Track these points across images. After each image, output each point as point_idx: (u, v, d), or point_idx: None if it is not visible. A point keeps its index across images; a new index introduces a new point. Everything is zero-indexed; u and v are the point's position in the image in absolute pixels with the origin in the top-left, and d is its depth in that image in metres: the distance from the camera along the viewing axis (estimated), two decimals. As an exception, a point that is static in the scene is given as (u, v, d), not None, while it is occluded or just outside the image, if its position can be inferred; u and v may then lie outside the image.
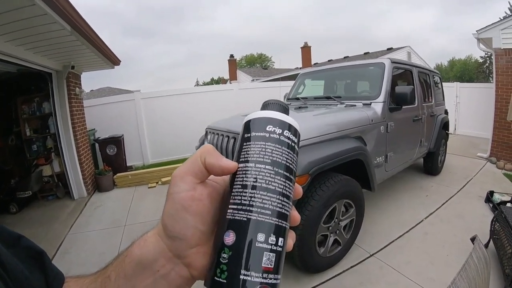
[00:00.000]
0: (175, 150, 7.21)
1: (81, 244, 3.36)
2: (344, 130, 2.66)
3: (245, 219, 0.30)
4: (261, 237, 0.29)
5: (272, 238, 0.29)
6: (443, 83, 5.34)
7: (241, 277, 0.28)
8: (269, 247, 0.29)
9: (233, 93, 8.11)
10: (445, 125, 4.93)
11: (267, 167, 0.31)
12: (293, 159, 0.34)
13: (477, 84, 9.71)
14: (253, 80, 17.84)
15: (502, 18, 5.77)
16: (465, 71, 39.51)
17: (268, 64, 46.30)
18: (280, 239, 0.30)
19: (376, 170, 2.97)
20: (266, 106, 0.38)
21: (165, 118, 7.27)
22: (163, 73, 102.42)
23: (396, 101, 3.19)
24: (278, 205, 0.31)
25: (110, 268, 0.36)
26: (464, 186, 4.41)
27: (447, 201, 3.88)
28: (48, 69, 4.40)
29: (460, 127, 8.72)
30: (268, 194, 0.31)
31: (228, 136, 2.66)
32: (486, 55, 32.23)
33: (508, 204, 3.16)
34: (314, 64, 20.25)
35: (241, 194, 0.31)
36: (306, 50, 20.27)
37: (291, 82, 4.94)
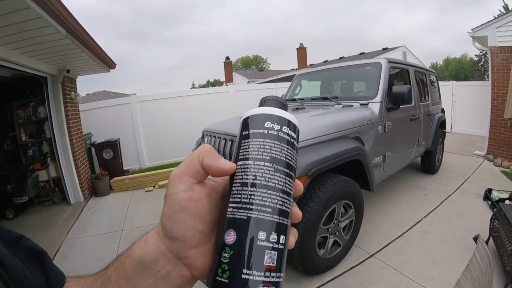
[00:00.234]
0: (172, 153, 7.16)
1: (78, 249, 3.33)
2: (342, 131, 2.65)
3: (246, 217, 0.29)
4: (262, 235, 0.29)
5: (274, 236, 0.29)
6: (439, 82, 5.37)
7: (243, 276, 0.27)
8: (271, 245, 0.29)
9: (229, 95, 8.10)
10: (442, 124, 4.94)
11: (266, 164, 0.31)
12: (293, 156, 0.33)
13: (472, 83, 9.76)
14: (249, 82, 17.81)
15: (496, 17, 5.83)
16: (460, 70, 39.77)
17: (264, 65, 46.28)
18: (282, 237, 0.30)
19: (374, 170, 2.97)
20: (264, 102, 0.37)
21: (161, 121, 7.23)
22: (159, 76, 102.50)
23: (393, 100, 3.19)
24: (279, 202, 0.30)
25: (111, 268, 0.36)
26: (462, 184, 4.42)
27: (445, 199, 3.88)
28: (43, 73, 4.36)
29: (457, 126, 8.77)
30: (268, 191, 0.30)
31: (225, 139, 2.65)
32: (481, 53, 32.32)
33: (507, 202, 3.16)
34: (310, 65, 20.33)
35: (240, 192, 0.30)
36: (301, 51, 20.35)
37: (287, 84, 4.94)
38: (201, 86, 50.87)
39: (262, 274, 0.28)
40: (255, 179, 0.30)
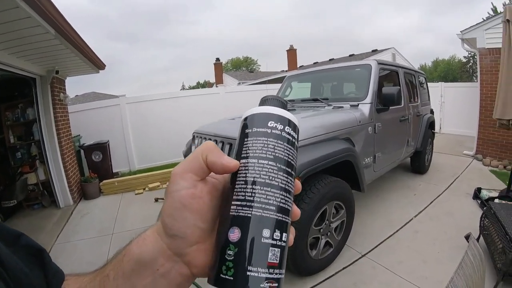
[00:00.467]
0: (162, 155, 7.12)
1: (68, 254, 3.27)
2: (332, 132, 2.66)
3: (250, 215, 0.30)
4: (266, 232, 0.29)
5: (277, 234, 0.30)
6: (428, 83, 5.43)
7: (248, 273, 0.28)
8: (274, 242, 0.29)
9: (220, 96, 8.10)
10: (431, 125, 5.01)
11: (270, 163, 0.32)
12: (294, 155, 0.34)
13: (461, 84, 9.89)
14: (239, 83, 17.79)
15: (485, 19, 5.94)
16: (449, 71, 40.39)
17: (254, 67, 46.24)
18: (284, 234, 0.30)
19: (365, 171, 2.99)
20: (264, 101, 0.37)
21: (151, 123, 7.17)
22: (149, 78, 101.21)
23: (383, 102, 3.22)
24: (282, 200, 0.31)
25: (109, 267, 0.36)
26: (451, 183, 4.49)
27: (435, 199, 3.93)
28: (32, 74, 4.28)
29: (446, 126, 8.89)
30: (272, 190, 0.31)
31: (216, 140, 2.62)
32: (469, 55, 32.94)
33: (496, 200, 3.21)
34: (300, 66, 20.41)
35: (244, 190, 0.31)
36: (292, 52, 20.45)
37: (278, 85, 4.94)
38: (191, 88, 50.54)
39: (266, 270, 0.28)
40: (259, 177, 0.31)
